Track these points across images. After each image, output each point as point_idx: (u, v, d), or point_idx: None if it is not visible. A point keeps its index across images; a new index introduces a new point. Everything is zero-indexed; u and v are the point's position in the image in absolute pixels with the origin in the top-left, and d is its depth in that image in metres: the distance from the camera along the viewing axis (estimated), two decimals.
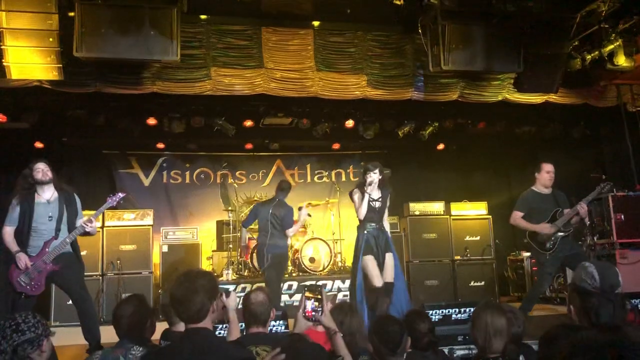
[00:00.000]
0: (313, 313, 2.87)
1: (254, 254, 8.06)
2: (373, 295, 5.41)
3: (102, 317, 7.43)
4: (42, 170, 5.07)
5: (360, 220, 5.78)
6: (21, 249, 4.92)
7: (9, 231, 4.99)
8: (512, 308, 2.74)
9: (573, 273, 2.50)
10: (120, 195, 5.39)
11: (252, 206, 8.29)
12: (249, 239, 8.95)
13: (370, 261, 5.55)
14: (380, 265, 5.56)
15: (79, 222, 5.17)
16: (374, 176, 5.67)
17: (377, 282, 5.44)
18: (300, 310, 2.91)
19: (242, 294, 7.44)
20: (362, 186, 5.74)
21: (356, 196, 5.76)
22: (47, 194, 5.11)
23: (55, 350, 3.10)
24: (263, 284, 7.59)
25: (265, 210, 7.15)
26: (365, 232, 5.68)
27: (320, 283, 8.17)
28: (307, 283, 7.94)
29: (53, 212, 5.06)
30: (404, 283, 5.91)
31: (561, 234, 5.92)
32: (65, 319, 7.38)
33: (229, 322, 3.28)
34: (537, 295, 6.34)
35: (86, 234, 5.15)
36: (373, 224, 5.70)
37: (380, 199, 5.76)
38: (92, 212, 5.31)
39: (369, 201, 5.67)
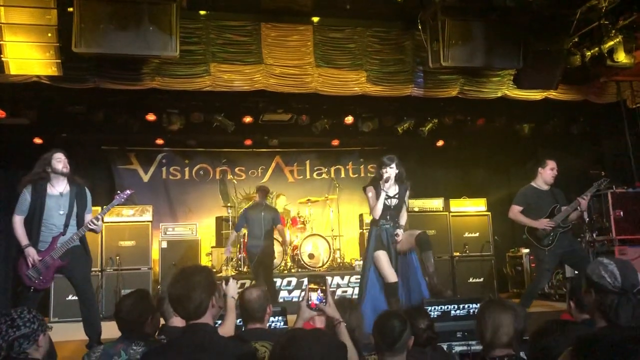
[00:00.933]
0: (317, 303, 2.88)
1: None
2: (388, 293, 5.22)
3: (101, 312, 7.42)
4: (63, 160, 5.03)
5: (374, 218, 5.48)
6: (31, 243, 4.87)
7: (19, 221, 4.92)
8: (513, 304, 2.74)
9: (588, 268, 2.43)
10: (128, 192, 5.35)
11: (240, 211, 8.56)
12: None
13: (382, 256, 5.29)
14: (392, 262, 5.30)
15: (87, 217, 5.15)
16: (391, 171, 5.30)
17: (392, 278, 5.21)
18: (305, 301, 2.92)
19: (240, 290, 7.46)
20: (376, 182, 5.39)
21: (370, 194, 5.40)
22: (61, 187, 5.06)
23: (54, 345, 3.11)
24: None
25: (256, 213, 7.54)
26: (377, 227, 5.41)
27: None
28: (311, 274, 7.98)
29: (64, 206, 5.01)
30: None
31: (560, 229, 5.93)
32: (64, 314, 7.39)
33: (226, 309, 3.28)
34: (535, 291, 6.35)
35: (91, 230, 5.13)
36: (387, 222, 5.39)
37: (397, 196, 5.40)
38: (94, 208, 5.33)
39: (384, 199, 5.31)
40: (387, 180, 5.30)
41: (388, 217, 5.41)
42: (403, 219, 5.55)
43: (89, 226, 5.04)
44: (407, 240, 5.40)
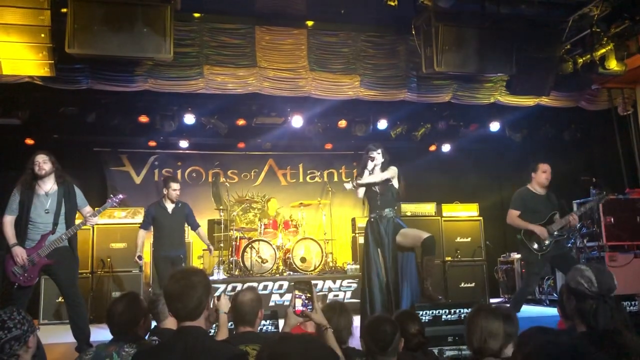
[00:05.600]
0: (302, 309, 2.88)
1: None
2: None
3: (91, 315, 7.38)
4: (38, 163, 5.10)
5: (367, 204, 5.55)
6: (18, 242, 4.97)
7: (9, 221, 5.04)
8: (506, 309, 2.74)
9: (567, 275, 2.48)
10: (121, 196, 5.50)
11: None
12: (240, 237, 8.95)
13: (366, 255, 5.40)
14: (385, 253, 5.28)
15: (85, 210, 5.28)
16: (378, 157, 5.37)
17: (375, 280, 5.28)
18: (291, 307, 2.92)
19: (232, 293, 7.43)
20: (363, 169, 5.45)
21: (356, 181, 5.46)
22: (47, 186, 5.15)
23: (43, 346, 3.09)
24: (254, 284, 7.61)
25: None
26: (370, 222, 5.47)
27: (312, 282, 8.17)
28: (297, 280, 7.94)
29: (50, 206, 5.09)
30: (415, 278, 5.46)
31: (556, 237, 5.94)
32: (54, 316, 7.35)
33: (218, 323, 3.27)
34: (525, 295, 6.34)
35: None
36: (374, 212, 5.41)
37: (382, 181, 5.41)
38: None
39: (371, 187, 5.37)
40: (374, 163, 5.35)
41: (378, 202, 5.41)
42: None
43: (88, 223, 5.21)
44: (412, 239, 5.37)
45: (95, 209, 5.52)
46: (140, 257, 6.66)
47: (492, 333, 2.57)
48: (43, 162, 5.11)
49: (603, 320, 2.27)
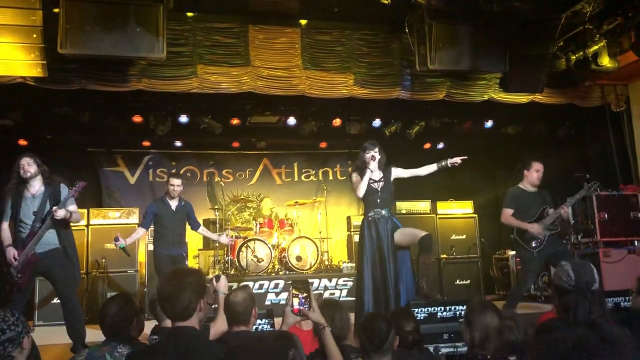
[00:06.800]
0: (300, 308, 2.88)
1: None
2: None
3: (87, 316, 7.35)
4: (23, 166, 5.11)
5: (363, 202, 5.51)
6: (12, 244, 5.03)
7: (5, 227, 5.11)
8: (512, 314, 2.77)
9: (552, 274, 2.55)
10: (80, 184, 5.27)
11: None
12: (236, 237, 8.93)
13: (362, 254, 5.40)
14: (383, 257, 5.24)
15: (71, 208, 5.21)
16: (375, 154, 5.39)
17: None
18: (288, 306, 2.92)
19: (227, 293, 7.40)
20: (359, 170, 5.46)
21: (355, 177, 5.46)
22: (34, 188, 5.16)
23: (37, 347, 3.08)
24: (249, 283, 7.61)
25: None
26: (368, 219, 5.41)
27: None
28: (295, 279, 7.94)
29: (37, 207, 5.10)
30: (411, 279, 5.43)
31: (548, 232, 5.97)
32: (49, 318, 7.31)
33: (217, 306, 3.28)
34: (521, 293, 6.37)
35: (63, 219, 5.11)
36: (373, 210, 5.38)
37: (382, 179, 5.46)
38: (80, 211, 5.36)
39: (369, 183, 5.36)
40: (373, 159, 5.36)
41: (378, 200, 5.39)
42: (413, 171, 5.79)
43: (54, 216, 5.05)
44: (410, 238, 5.37)
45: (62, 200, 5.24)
46: (117, 238, 6.19)
47: (495, 330, 2.60)
48: (27, 165, 5.11)
49: (582, 314, 2.32)
